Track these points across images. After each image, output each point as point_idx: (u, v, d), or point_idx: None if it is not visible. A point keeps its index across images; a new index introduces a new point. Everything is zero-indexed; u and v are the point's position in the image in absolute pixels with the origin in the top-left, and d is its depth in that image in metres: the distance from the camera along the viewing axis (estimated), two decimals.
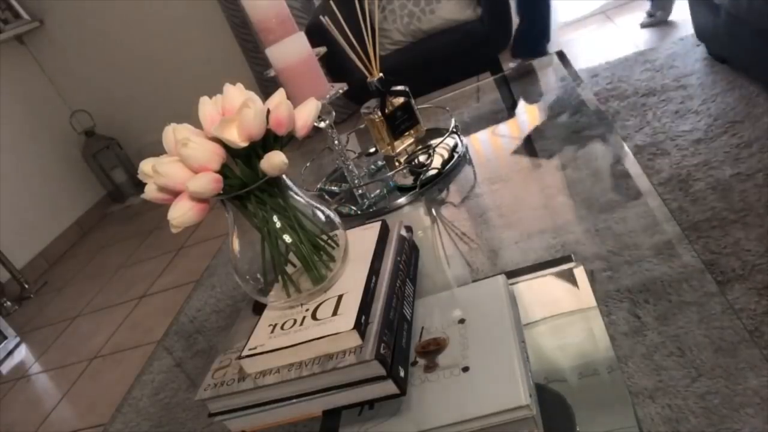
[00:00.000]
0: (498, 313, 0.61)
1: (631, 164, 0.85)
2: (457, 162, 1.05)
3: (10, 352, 2.68)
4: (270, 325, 0.62)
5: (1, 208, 3.20)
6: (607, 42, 2.79)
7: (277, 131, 0.61)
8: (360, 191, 1.05)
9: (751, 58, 1.83)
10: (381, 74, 1.05)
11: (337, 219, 0.67)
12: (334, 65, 1.74)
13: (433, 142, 1.10)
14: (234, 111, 0.58)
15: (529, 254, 0.75)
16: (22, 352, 2.65)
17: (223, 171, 0.59)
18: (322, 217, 0.67)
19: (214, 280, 1.13)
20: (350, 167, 1.04)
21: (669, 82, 2.14)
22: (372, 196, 1.04)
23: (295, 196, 0.65)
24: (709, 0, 1.93)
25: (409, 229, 0.77)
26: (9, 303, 3.04)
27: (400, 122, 1.07)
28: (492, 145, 1.13)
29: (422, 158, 1.08)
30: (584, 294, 0.64)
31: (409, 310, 0.65)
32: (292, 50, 0.91)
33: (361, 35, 1.02)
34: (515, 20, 2.53)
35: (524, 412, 0.50)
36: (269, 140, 0.60)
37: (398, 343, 0.59)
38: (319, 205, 0.67)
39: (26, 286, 3.12)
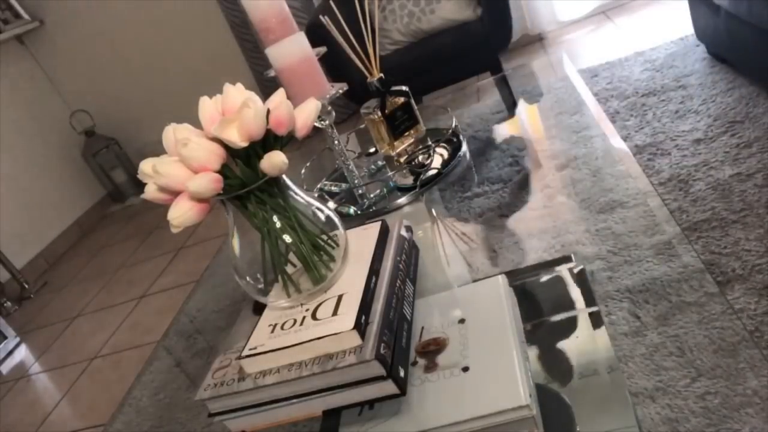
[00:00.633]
0: (498, 313, 0.61)
1: (631, 164, 0.85)
2: (457, 162, 1.05)
3: (10, 352, 2.67)
4: (270, 325, 0.62)
5: (1, 208, 3.20)
6: (607, 42, 2.79)
7: (277, 131, 0.61)
8: (360, 191, 1.05)
9: (751, 58, 1.83)
10: (381, 74, 1.05)
11: (337, 219, 0.67)
12: (334, 65, 1.74)
13: (433, 142, 1.11)
14: (234, 111, 0.58)
15: (529, 254, 0.75)
16: (22, 352, 2.65)
17: (223, 171, 0.59)
18: (322, 217, 0.67)
19: (214, 280, 1.13)
20: (350, 167, 1.04)
21: (669, 82, 2.14)
22: (372, 196, 1.04)
23: (295, 196, 0.65)
24: (709, 0, 1.93)
25: (409, 229, 0.77)
26: (9, 303, 3.03)
27: (400, 122, 1.07)
28: (492, 145, 1.13)
29: (422, 158, 1.08)
30: (584, 294, 0.64)
31: (409, 310, 0.65)
32: (292, 50, 0.90)
33: (361, 35, 1.02)
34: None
35: (524, 412, 0.50)
36: (269, 140, 0.60)
37: (398, 343, 0.59)
38: (319, 205, 0.67)
39: (26, 286, 3.12)
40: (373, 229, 0.73)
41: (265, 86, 3.24)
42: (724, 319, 0.56)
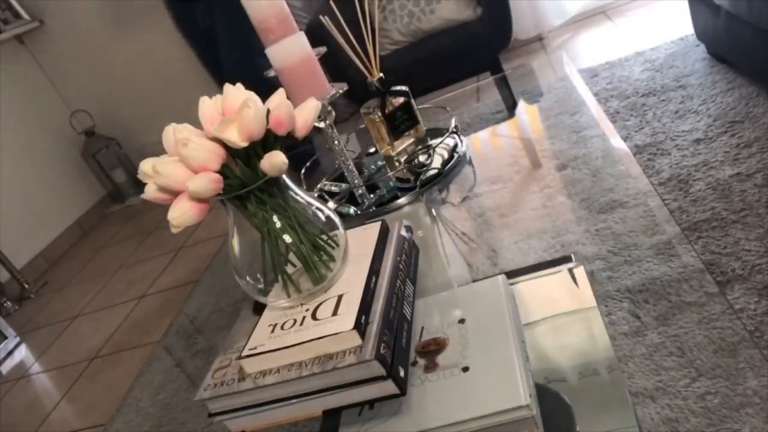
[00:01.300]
0: (498, 313, 0.61)
1: (631, 164, 0.85)
2: (457, 162, 1.05)
3: (10, 352, 2.67)
4: (270, 325, 0.62)
5: (1, 208, 3.20)
6: (607, 42, 2.79)
7: (277, 131, 0.61)
8: (360, 191, 1.05)
9: (751, 58, 1.83)
10: (381, 74, 1.05)
11: (337, 219, 0.67)
12: (334, 65, 1.74)
13: (433, 142, 1.10)
14: (234, 111, 0.58)
15: (529, 254, 0.75)
16: (22, 352, 2.65)
17: (223, 171, 0.59)
18: (322, 217, 0.67)
19: (214, 280, 1.13)
20: (350, 167, 1.04)
21: (669, 82, 2.14)
22: (372, 196, 1.04)
23: (295, 196, 0.65)
24: (709, 0, 1.93)
25: (409, 229, 0.77)
26: (9, 303, 3.03)
27: (400, 122, 1.07)
28: (492, 145, 1.13)
29: (422, 158, 1.08)
30: (584, 294, 0.64)
31: (409, 310, 0.65)
32: (292, 50, 0.90)
33: (361, 35, 1.02)
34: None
35: (524, 412, 0.50)
36: (269, 140, 0.60)
37: (398, 343, 0.59)
38: (319, 205, 0.67)
39: (26, 286, 3.12)
40: (373, 229, 0.73)
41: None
42: (724, 319, 0.56)
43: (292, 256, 0.65)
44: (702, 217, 1.45)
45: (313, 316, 0.60)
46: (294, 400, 0.58)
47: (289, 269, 0.64)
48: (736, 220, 1.40)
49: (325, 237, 0.66)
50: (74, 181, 3.69)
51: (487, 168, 1.02)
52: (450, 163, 1.04)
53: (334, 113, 0.99)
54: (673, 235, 0.68)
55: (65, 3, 3.45)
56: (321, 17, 1.15)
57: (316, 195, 1.11)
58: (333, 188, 1.12)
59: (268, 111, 0.59)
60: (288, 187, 0.64)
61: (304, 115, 0.64)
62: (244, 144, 0.58)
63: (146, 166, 0.59)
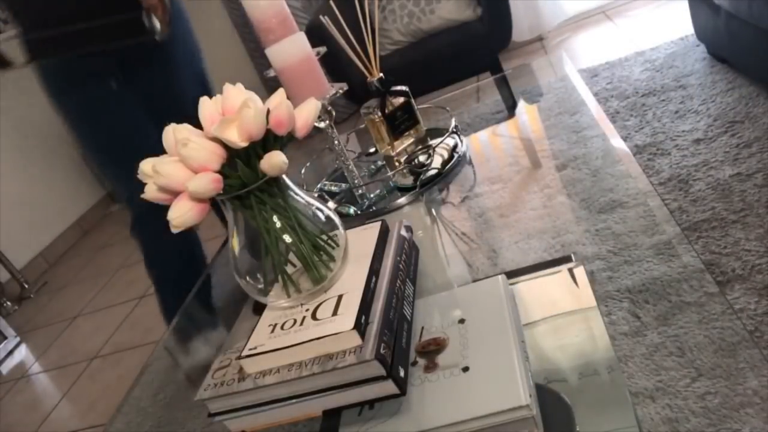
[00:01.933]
0: (498, 313, 0.61)
1: (631, 164, 0.85)
2: (457, 162, 1.05)
3: (10, 352, 2.68)
4: (270, 325, 0.62)
5: (1, 208, 3.20)
6: (607, 42, 2.79)
7: (277, 131, 0.61)
8: (360, 191, 1.05)
9: (751, 58, 1.83)
10: (381, 74, 1.05)
11: (337, 219, 0.67)
12: (334, 65, 1.74)
13: (433, 142, 1.10)
14: (234, 111, 0.58)
15: (529, 254, 0.75)
16: (22, 352, 2.66)
17: (223, 171, 0.59)
18: (322, 217, 0.67)
19: (214, 280, 1.13)
20: (350, 167, 1.04)
21: (669, 82, 2.14)
22: (372, 196, 1.04)
23: (295, 196, 0.65)
24: (709, 0, 1.93)
25: (409, 229, 0.77)
26: (9, 303, 3.04)
27: (400, 122, 1.07)
28: (492, 145, 1.13)
29: (422, 158, 1.08)
30: (584, 294, 0.64)
31: (409, 310, 0.65)
32: (292, 50, 0.90)
33: (361, 35, 1.02)
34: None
35: (524, 412, 0.50)
36: (269, 140, 0.60)
37: (398, 343, 0.59)
38: (319, 205, 0.67)
39: (26, 286, 3.12)
40: (373, 229, 0.73)
41: (270, 86, 3.24)
42: (724, 319, 0.56)
43: (292, 256, 0.65)
44: (702, 217, 1.45)
45: (313, 316, 0.60)
46: (294, 400, 0.58)
47: (289, 269, 0.64)
48: (736, 220, 1.40)
49: (325, 237, 0.66)
50: (74, 181, 3.69)
51: (487, 168, 1.02)
52: (450, 163, 1.04)
53: (334, 113, 0.99)
54: (673, 235, 0.68)
55: None
56: (321, 17, 1.15)
57: (316, 195, 1.11)
58: (333, 188, 1.12)
59: (268, 111, 0.59)
60: (288, 187, 0.64)
61: (304, 115, 0.64)
62: (244, 144, 0.58)
63: (146, 166, 0.59)
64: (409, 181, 1.04)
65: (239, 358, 0.59)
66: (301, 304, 0.63)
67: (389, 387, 0.55)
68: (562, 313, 0.63)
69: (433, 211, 0.97)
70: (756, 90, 1.86)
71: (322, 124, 0.98)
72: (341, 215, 1.00)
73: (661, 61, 2.31)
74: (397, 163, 1.08)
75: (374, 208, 1.01)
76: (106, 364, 2.24)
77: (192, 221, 0.59)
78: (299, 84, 0.92)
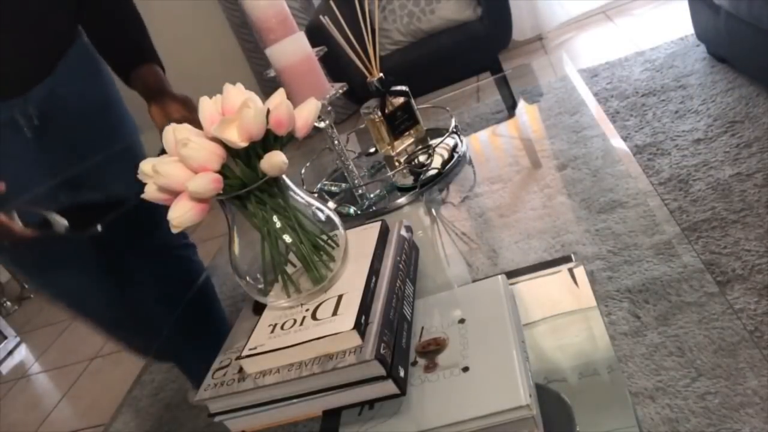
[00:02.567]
0: (498, 313, 0.61)
1: (631, 164, 0.85)
2: (457, 162, 1.05)
3: (10, 352, 2.68)
4: (270, 325, 0.62)
5: None
6: (607, 42, 2.79)
7: (277, 131, 0.61)
8: (360, 191, 1.05)
9: (751, 58, 1.83)
10: (381, 74, 1.05)
11: (337, 219, 0.67)
12: (334, 65, 1.74)
13: (433, 142, 1.10)
14: (234, 111, 0.58)
15: (529, 254, 0.75)
16: (22, 352, 2.65)
17: (223, 171, 0.59)
18: (322, 217, 0.67)
19: (214, 280, 1.13)
20: (350, 167, 1.04)
21: (669, 82, 2.14)
22: (372, 196, 1.04)
23: (295, 196, 0.65)
24: (709, 0, 1.93)
25: (409, 229, 0.77)
26: (9, 303, 3.03)
27: (400, 122, 1.07)
28: (492, 145, 1.13)
29: (422, 158, 1.08)
30: (584, 294, 0.64)
31: (409, 310, 0.65)
32: (292, 50, 0.90)
33: (361, 35, 1.02)
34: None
35: (524, 412, 0.50)
36: (269, 140, 0.60)
37: (398, 343, 0.59)
38: (319, 205, 0.67)
39: (26, 286, 3.12)
40: (373, 229, 0.73)
41: (266, 86, 3.24)
42: (724, 319, 0.56)
43: (292, 256, 0.65)
44: (702, 217, 1.45)
45: (313, 316, 0.60)
46: (294, 400, 0.58)
47: (289, 269, 0.64)
48: (736, 220, 1.40)
49: (325, 237, 0.66)
50: None
51: (487, 168, 1.02)
52: (450, 163, 1.04)
53: (334, 113, 0.99)
54: (673, 235, 0.68)
55: None
56: (321, 17, 1.16)
57: (316, 195, 1.11)
58: (333, 188, 1.12)
59: (268, 111, 0.59)
60: (288, 187, 0.64)
61: (304, 115, 0.64)
62: (244, 144, 0.58)
63: (146, 166, 0.59)
64: (409, 181, 1.04)
65: (239, 358, 0.59)
66: (301, 304, 0.63)
67: (389, 387, 0.55)
68: (562, 313, 0.63)
69: (433, 211, 0.97)
70: (756, 90, 1.86)
71: (322, 124, 0.98)
72: (341, 215, 1.00)
73: (661, 61, 2.31)
74: (397, 163, 1.08)
75: (374, 208, 1.01)
76: (106, 364, 2.24)
77: (192, 221, 0.59)
78: (299, 84, 0.92)
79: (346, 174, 1.05)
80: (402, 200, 1.00)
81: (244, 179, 0.60)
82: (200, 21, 3.38)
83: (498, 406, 0.51)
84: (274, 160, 0.58)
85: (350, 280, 0.64)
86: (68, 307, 1.21)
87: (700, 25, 2.16)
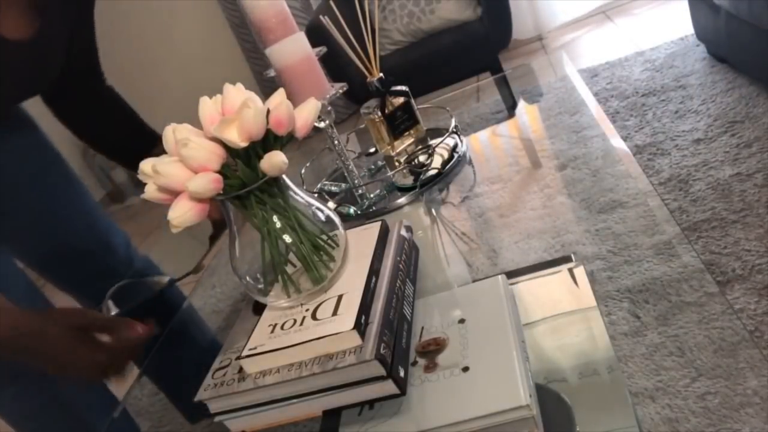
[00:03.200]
0: (498, 313, 0.61)
1: (631, 164, 0.85)
2: (457, 162, 1.05)
3: None
4: (270, 325, 0.62)
5: None
6: (607, 42, 2.79)
7: (277, 131, 0.61)
8: (360, 191, 1.05)
9: (751, 58, 1.83)
10: (381, 74, 1.05)
11: (337, 219, 0.67)
12: (334, 65, 1.74)
13: (433, 142, 1.10)
14: (234, 111, 0.58)
15: (529, 254, 0.75)
16: None
17: (223, 171, 0.59)
18: (322, 217, 0.67)
19: (214, 280, 1.13)
20: (350, 167, 1.04)
21: (669, 82, 2.14)
22: (372, 196, 1.04)
23: (295, 196, 0.65)
24: (709, 0, 1.93)
25: (409, 229, 0.77)
26: None
27: (400, 122, 1.07)
28: (492, 145, 1.13)
29: (422, 158, 1.08)
30: (584, 294, 0.64)
31: (409, 310, 0.65)
32: (292, 50, 0.90)
33: (361, 35, 1.02)
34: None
35: (524, 412, 0.50)
36: (269, 140, 0.60)
37: (398, 343, 0.59)
38: (319, 205, 0.67)
39: None
40: (373, 229, 0.73)
41: (265, 86, 3.24)
42: (724, 319, 0.56)
43: (292, 256, 0.65)
44: (702, 217, 1.45)
45: (313, 316, 0.60)
46: (294, 400, 0.58)
47: (289, 269, 0.64)
48: (736, 220, 1.40)
49: (325, 237, 0.66)
50: None
51: (487, 168, 1.02)
52: (450, 163, 1.04)
53: (334, 113, 0.99)
54: (673, 235, 0.68)
55: None
56: (321, 17, 1.15)
57: (316, 195, 1.11)
58: (333, 188, 1.12)
59: (268, 111, 0.59)
60: (288, 187, 0.64)
61: (304, 115, 0.64)
62: (244, 144, 0.58)
63: (146, 166, 0.59)
64: (409, 181, 1.04)
65: (239, 358, 0.59)
66: (301, 304, 0.63)
67: (389, 387, 0.55)
68: (562, 313, 0.63)
69: (433, 211, 0.97)
70: (756, 90, 1.86)
71: (322, 124, 0.98)
72: (341, 215, 1.00)
73: (661, 61, 2.31)
74: (397, 163, 1.08)
75: (374, 208, 1.01)
76: None
77: (192, 221, 0.59)
78: (299, 84, 0.92)
79: (346, 174, 1.05)
80: (402, 200, 1.00)
81: (244, 179, 0.60)
82: (200, 21, 3.38)
83: (498, 406, 0.51)
84: (275, 160, 0.58)
85: (350, 280, 0.64)
86: None
87: (700, 25, 2.16)
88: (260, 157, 0.59)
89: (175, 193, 0.59)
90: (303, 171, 1.23)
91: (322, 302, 0.62)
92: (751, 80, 1.92)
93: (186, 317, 1.06)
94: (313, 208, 0.67)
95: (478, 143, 1.15)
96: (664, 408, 0.50)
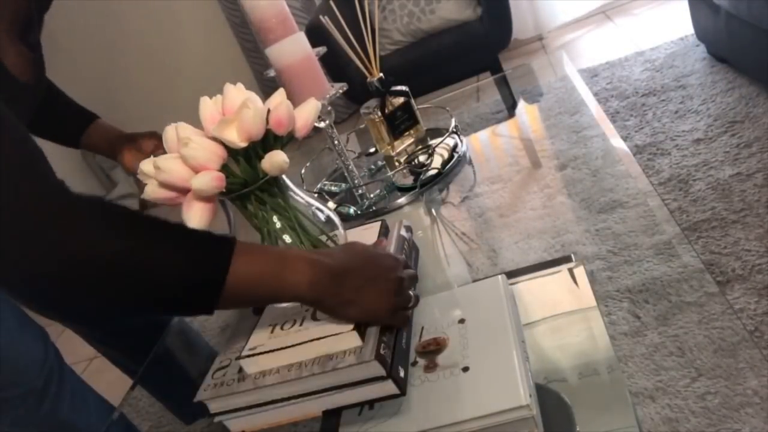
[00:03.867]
0: (498, 313, 0.61)
1: (631, 164, 0.85)
2: (457, 162, 1.05)
3: None
4: (270, 325, 0.62)
5: None
6: (607, 42, 2.79)
7: (277, 131, 0.61)
8: (360, 191, 1.05)
9: (751, 58, 1.83)
10: (381, 74, 1.05)
11: (337, 219, 0.67)
12: (334, 65, 1.74)
13: (433, 142, 1.10)
14: (234, 111, 0.58)
15: (529, 254, 0.75)
16: None
17: (224, 170, 0.59)
18: (322, 217, 0.67)
19: None
20: (350, 167, 1.04)
21: (669, 82, 2.14)
22: (372, 196, 1.04)
23: (295, 196, 0.65)
24: (709, 0, 1.93)
25: (409, 229, 0.77)
26: None
27: (400, 122, 1.07)
28: (492, 145, 1.13)
29: (422, 158, 1.08)
30: (584, 294, 0.64)
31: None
32: (292, 50, 0.90)
33: (361, 35, 1.02)
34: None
35: (524, 412, 0.50)
36: (269, 140, 0.60)
37: (398, 343, 0.59)
38: (319, 205, 0.67)
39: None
40: (373, 229, 0.73)
41: (265, 86, 3.24)
42: (724, 319, 0.56)
43: None
44: (702, 217, 1.45)
45: (313, 317, 0.60)
46: (294, 400, 0.58)
47: None
48: (736, 220, 1.40)
49: (325, 237, 0.66)
50: (74, 181, 3.68)
51: (487, 168, 1.02)
52: (450, 163, 1.04)
53: (334, 113, 0.99)
54: (673, 235, 0.68)
55: (65, 3, 3.44)
56: (321, 17, 1.16)
57: (316, 195, 1.11)
58: (333, 188, 1.12)
59: (268, 111, 0.59)
60: (288, 187, 0.64)
61: (304, 115, 0.64)
62: (244, 144, 0.58)
63: (146, 166, 0.59)
64: (409, 181, 1.04)
65: (239, 358, 0.59)
66: (301, 304, 0.63)
67: (389, 387, 0.55)
68: (562, 313, 0.63)
69: (433, 211, 0.97)
70: (756, 90, 1.86)
71: (322, 124, 0.98)
72: (341, 215, 1.00)
73: (661, 61, 2.31)
74: (397, 163, 1.08)
75: (374, 208, 1.01)
76: (106, 364, 2.23)
77: (209, 220, 0.59)
78: (299, 84, 0.92)
79: (346, 174, 1.05)
80: (402, 200, 1.00)
81: (245, 178, 0.60)
82: (200, 21, 3.38)
83: (498, 406, 0.51)
84: (276, 160, 0.59)
85: None
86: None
87: (700, 25, 2.16)
88: (260, 157, 0.59)
89: (176, 191, 0.59)
90: (303, 171, 1.23)
91: None
92: (751, 80, 1.92)
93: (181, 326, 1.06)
94: (313, 208, 0.67)
95: (478, 143, 1.15)
96: (664, 408, 0.50)
